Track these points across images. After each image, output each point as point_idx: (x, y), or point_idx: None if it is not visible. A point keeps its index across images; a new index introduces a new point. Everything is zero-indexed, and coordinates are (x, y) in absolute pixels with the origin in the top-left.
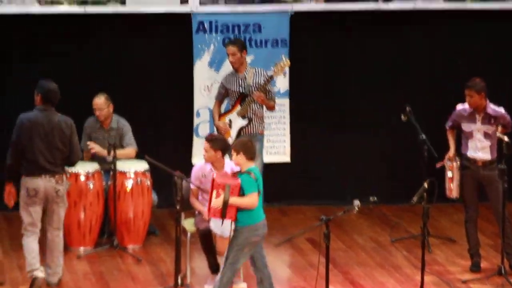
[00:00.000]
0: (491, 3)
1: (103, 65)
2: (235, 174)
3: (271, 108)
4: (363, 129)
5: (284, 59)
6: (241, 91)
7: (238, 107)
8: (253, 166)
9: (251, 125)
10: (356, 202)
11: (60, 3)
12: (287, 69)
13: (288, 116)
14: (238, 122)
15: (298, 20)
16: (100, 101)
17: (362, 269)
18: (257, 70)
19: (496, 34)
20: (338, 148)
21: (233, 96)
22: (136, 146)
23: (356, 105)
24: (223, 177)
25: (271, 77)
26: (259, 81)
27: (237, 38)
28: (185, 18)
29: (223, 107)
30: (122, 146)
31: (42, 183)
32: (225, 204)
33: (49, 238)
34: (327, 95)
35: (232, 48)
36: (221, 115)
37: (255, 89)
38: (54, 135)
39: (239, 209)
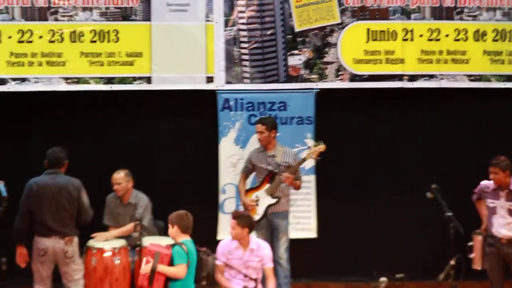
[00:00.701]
0: None
1: (128, 142)
2: (169, 246)
3: (297, 188)
4: (389, 206)
5: (319, 143)
6: (270, 169)
7: (267, 185)
8: (187, 239)
9: (279, 203)
10: (383, 279)
11: (87, 82)
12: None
13: (314, 192)
14: (266, 200)
15: (323, 97)
16: (119, 176)
17: None
18: (286, 150)
19: None
20: (365, 224)
21: (261, 173)
22: (144, 221)
23: (382, 182)
24: (156, 246)
25: (304, 160)
26: (289, 161)
27: (268, 117)
28: (211, 95)
29: (248, 182)
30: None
31: (51, 244)
32: (153, 271)
33: None
34: (352, 171)
35: (260, 127)
36: (247, 191)
37: (285, 168)
38: (61, 197)
39: (170, 281)
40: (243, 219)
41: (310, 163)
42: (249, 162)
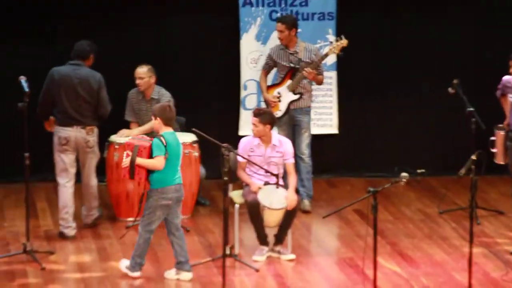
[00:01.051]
0: None
1: (149, 40)
2: (151, 139)
3: (320, 83)
4: (411, 101)
5: (342, 38)
6: (291, 65)
7: (289, 82)
8: (168, 131)
9: (301, 99)
10: (404, 174)
11: None
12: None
13: (336, 88)
14: (288, 96)
15: None
16: (142, 70)
17: (410, 240)
18: (307, 46)
19: None
20: (386, 120)
21: (282, 69)
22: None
23: (404, 78)
24: (138, 140)
25: (326, 55)
26: (310, 57)
27: (288, 15)
28: None
29: (269, 78)
30: None
31: (73, 133)
32: (132, 163)
33: (83, 182)
34: (373, 67)
35: (280, 26)
36: (269, 87)
37: (306, 64)
38: (81, 88)
39: (151, 173)
40: (265, 116)
41: (331, 59)
42: (270, 58)
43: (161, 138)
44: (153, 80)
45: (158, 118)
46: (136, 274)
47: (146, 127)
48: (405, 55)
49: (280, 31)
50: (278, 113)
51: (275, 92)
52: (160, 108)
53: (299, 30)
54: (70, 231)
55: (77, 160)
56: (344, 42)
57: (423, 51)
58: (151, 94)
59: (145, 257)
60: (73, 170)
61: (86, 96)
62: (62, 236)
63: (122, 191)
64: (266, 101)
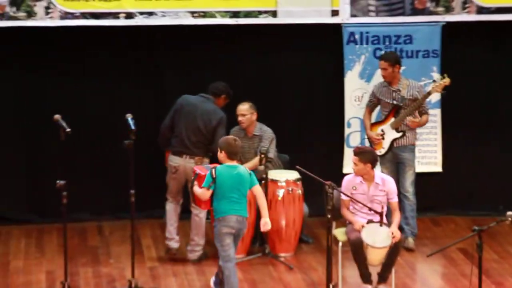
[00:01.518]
0: None
1: (253, 75)
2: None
3: (424, 123)
4: None
5: (444, 77)
6: (395, 103)
7: (392, 119)
8: (228, 164)
9: (405, 137)
10: (510, 213)
11: (213, 16)
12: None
13: (440, 126)
14: (391, 134)
15: (450, 30)
16: (244, 107)
17: None
18: (411, 83)
19: None
20: (491, 158)
21: (386, 107)
22: (270, 154)
23: (508, 115)
24: (201, 168)
25: (429, 93)
26: (413, 94)
27: (391, 52)
28: (336, 29)
29: (374, 116)
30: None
31: (182, 162)
32: (191, 190)
33: (192, 215)
34: (478, 105)
35: (384, 63)
36: (372, 125)
37: (410, 102)
38: (202, 120)
39: (212, 202)
40: (365, 155)
41: (435, 97)
42: (374, 96)
43: (213, 170)
44: (254, 117)
45: (222, 151)
46: None
47: (250, 163)
48: (510, 92)
49: (383, 69)
50: (382, 151)
51: (378, 129)
52: (225, 141)
53: (403, 67)
54: (174, 244)
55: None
56: (447, 81)
57: None
58: (253, 131)
59: None
60: (179, 198)
61: (203, 129)
62: (168, 252)
63: None
64: (369, 139)
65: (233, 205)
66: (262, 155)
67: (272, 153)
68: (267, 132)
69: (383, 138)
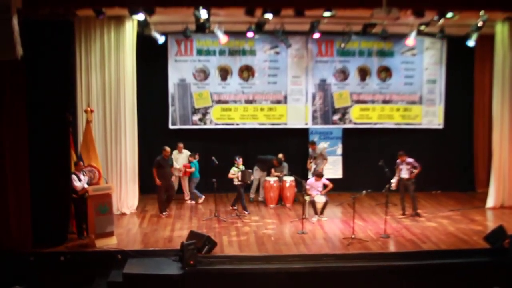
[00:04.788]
0: None
1: (275, 149)
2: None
3: (325, 160)
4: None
5: (325, 147)
6: (314, 156)
7: (313, 161)
8: None
9: (317, 167)
10: (364, 191)
11: (264, 124)
12: None
13: (341, 160)
14: (313, 166)
15: (346, 130)
16: (281, 157)
17: (366, 215)
18: (319, 149)
19: None
20: (364, 167)
21: (312, 158)
22: (285, 172)
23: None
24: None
25: (321, 151)
26: (319, 152)
27: (311, 141)
28: (306, 130)
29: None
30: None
31: None
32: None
33: None
34: (363, 149)
35: (309, 144)
36: (309, 164)
37: (318, 155)
38: None
39: None
40: (320, 175)
41: (337, 142)
42: (310, 155)
43: None
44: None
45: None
46: None
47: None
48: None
49: (309, 146)
50: (312, 171)
51: (311, 165)
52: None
53: (328, 142)
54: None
55: None
56: (325, 147)
57: None
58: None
59: None
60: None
61: None
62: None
63: None
64: (308, 168)
65: None
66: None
67: (285, 172)
68: (285, 165)
69: (311, 167)
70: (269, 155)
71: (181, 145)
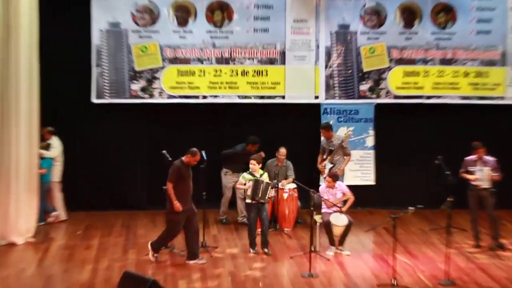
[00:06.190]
0: None
1: (272, 132)
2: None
3: (347, 161)
4: (418, 168)
5: (349, 131)
6: (330, 148)
7: (329, 157)
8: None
9: (335, 167)
10: (411, 208)
11: (249, 98)
12: (351, 137)
13: (374, 159)
14: (328, 165)
15: (379, 107)
16: (283, 151)
17: (414, 245)
18: (338, 136)
19: None
20: (403, 178)
21: (326, 151)
22: (293, 176)
23: (413, 153)
24: None
25: (343, 141)
26: (338, 142)
27: (325, 123)
28: (317, 106)
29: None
30: (287, 175)
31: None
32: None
33: None
34: (396, 148)
35: (322, 131)
36: (321, 161)
37: (336, 147)
38: None
39: None
40: (335, 176)
41: (371, 142)
42: (322, 146)
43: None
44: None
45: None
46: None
47: (285, 182)
48: (415, 141)
49: (322, 133)
50: (325, 175)
51: (323, 164)
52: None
53: (352, 127)
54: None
55: None
56: (349, 133)
57: None
58: (283, 163)
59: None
60: None
61: None
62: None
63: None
64: (319, 169)
65: None
66: (276, 175)
67: (293, 176)
68: (290, 165)
69: (325, 168)
70: (239, 146)
71: (49, 129)
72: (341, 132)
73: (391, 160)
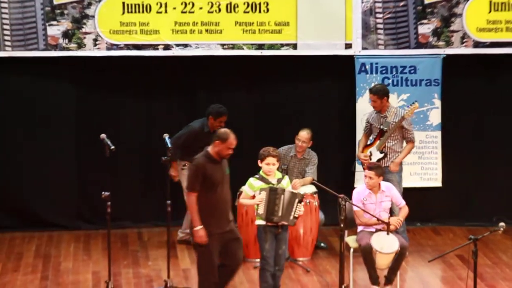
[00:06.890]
0: None
1: (274, 100)
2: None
3: (408, 153)
4: (508, 162)
5: (415, 103)
6: (381, 127)
7: (378, 142)
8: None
9: (386, 158)
10: (502, 224)
11: (240, 48)
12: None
13: (440, 146)
14: (376, 155)
15: (450, 62)
16: (306, 136)
17: (507, 284)
18: (398, 110)
19: None
20: (486, 174)
21: (375, 132)
22: (315, 177)
23: (503, 137)
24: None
25: (403, 117)
26: (395, 120)
27: (379, 86)
28: (349, 60)
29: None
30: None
31: None
32: None
33: None
34: (475, 127)
35: (373, 96)
36: (365, 147)
37: (393, 126)
38: None
39: None
40: (379, 169)
41: (436, 121)
42: (368, 122)
43: None
44: (309, 144)
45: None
46: None
47: (301, 182)
48: (504, 117)
49: (373, 101)
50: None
51: (368, 151)
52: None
53: (407, 94)
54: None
55: None
56: (416, 106)
57: None
58: (303, 155)
59: None
60: None
61: None
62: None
63: (250, 236)
64: (359, 159)
65: None
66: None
67: (315, 176)
68: (314, 158)
69: (370, 159)
70: (195, 122)
71: None
72: (391, 103)
73: (468, 148)
